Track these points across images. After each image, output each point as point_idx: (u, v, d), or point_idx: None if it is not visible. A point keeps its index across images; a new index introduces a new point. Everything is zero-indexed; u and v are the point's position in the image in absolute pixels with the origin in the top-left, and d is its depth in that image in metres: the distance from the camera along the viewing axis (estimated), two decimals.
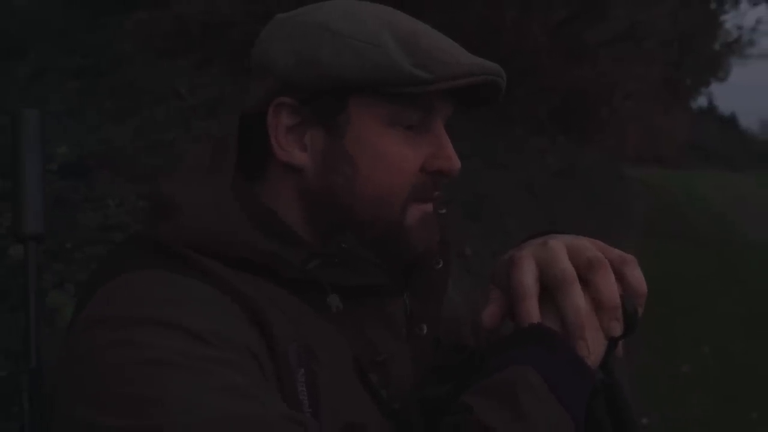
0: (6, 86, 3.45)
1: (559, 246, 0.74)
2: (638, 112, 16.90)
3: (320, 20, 0.76)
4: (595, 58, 10.31)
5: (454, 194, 5.17)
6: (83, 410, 0.63)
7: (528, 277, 0.73)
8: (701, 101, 33.09)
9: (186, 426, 0.59)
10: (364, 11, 0.78)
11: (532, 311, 0.72)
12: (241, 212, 0.75)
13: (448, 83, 0.74)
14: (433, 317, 0.86)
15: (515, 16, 7.58)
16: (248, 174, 0.81)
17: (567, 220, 7.73)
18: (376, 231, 0.79)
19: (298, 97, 0.75)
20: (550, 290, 0.73)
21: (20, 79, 3.54)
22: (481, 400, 0.68)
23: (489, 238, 5.44)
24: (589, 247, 0.74)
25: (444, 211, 0.87)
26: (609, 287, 0.72)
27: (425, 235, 0.82)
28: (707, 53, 19.89)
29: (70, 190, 2.55)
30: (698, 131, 28.52)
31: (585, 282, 0.72)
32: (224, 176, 0.77)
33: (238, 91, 3.94)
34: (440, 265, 0.86)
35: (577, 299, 0.71)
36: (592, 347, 0.73)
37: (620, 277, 0.74)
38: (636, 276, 0.75)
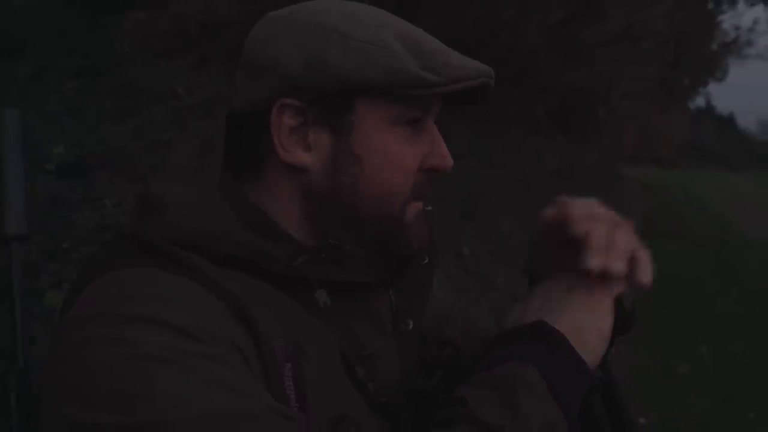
0: (5, 86, 3.45)
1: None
2: (636, 112, 16.92)
3: (325, 21, 0.76)
4: (592, 58, 10.32)
5: (452, 194, 5.17)
6: (72, 408, 0.63)
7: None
8: (699, 101, 33.09)
9: (175, 421, 0.60)
10: (363, 13, 0.79)
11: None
12: (228, 210, 0.76)
13: (453, 86, 0.76)
14: (418, 313, 0.88)
15: (512, 15, 7.58)
16: (236, 173, 0.81)
17: None
18: (377, 228, 0.80)
19: (304, 98, 0.76)
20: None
21: (19, 79, 3.54)
22: (477, 393, 0.69)
23: (486, 237, 5.45)
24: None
25: (430, 208, 0.89)
26: (628, 237, 0.77)
27: (421, 232, 0.85)
28: (705, 53, 19.92)
29: (68, 190, 2.55)
30: (696, 131, 28.55)
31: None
32: (211, 175, 0.77)
33: (235, 91, 3.93)
34: (426, 262, 0.88)
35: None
36: (592, 345, 0.74)
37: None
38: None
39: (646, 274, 0.76)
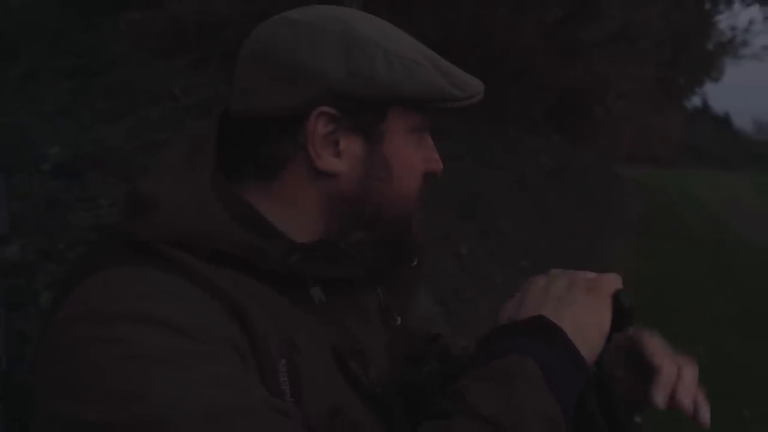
0: None
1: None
2: (632, 112, 16.95)
3: (358, 33, 0.79)
4: (589, 58, 10.33)
5: (450, 194, 5.17)
6: (67, 407, 0.63)
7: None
8: (695, 101, 33.15)
9: (170, 419, 0.60)
10: (386, 26, 0.84)
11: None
12: (222, 208, 0.76)
13: (470, 100, 0.83)
14: (406, 310, 0.91)
15: (508, 15, 7.58)
16: (229, 173, 0.81)
17: (562, 219, 7.75)
18: (394, 229, 0.86)
19: (340, 107, 0.78)
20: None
21: (13, 79, 3.53)
22: (475, 386, 0.70)
23: (484, 237, 5.45)
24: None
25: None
26: (694, 378, 0.86)
27: (420, 232, 0.89)
28: (701, 53, 19.97)
29: (63, 190, 2.55)
30: (692, 131, 28.59)
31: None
32: (203, 174, 0.77)
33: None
34: (415, 263, 0.91)
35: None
36: (590, 341, 0.76)
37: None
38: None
39: (705, 416, 0.84)
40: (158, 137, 3.09)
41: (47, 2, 4.28)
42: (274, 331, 0.73)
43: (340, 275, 0.81)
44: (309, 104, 0.77)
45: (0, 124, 2.86)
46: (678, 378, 0.82)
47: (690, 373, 0.84)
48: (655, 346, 0.86)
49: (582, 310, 0.78)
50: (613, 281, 0.82)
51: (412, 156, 0.84)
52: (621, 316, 0.79)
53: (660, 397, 0.81)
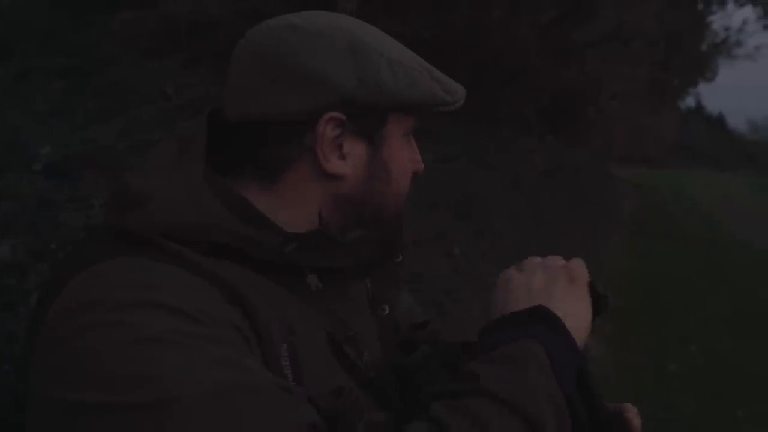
0: None
1: None
2: (626, 112, 16.98)
3: (364, 41, 0.83)
4: (583, 58, 10.35)
5: (444, 195, 5.17)
6: (75, 393, 0.63)
7: None
8: (689, 101, 33.21)
9: (179, 398, 0.61)
10: (383, 35, 0.88)
11: None
12: (217, 200, 0.78)
13: (456, 105, 0.89)
14: (393, 301, 0.96)
15: (503, 16, 7.59)
16: (222, 173, 0.82)
17: (555, 219, 7.76)
18: (390, 226, 0.91)
19: (346, 112, 0.81)
20: None
21: (5, 79, 3.52)
22: (487, 368, 0.74)
23: (478, 237, 5.45)
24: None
25: None
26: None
27: (406, 230, 0.96)
28: (695, 54, 20.03)
29: (55, 190, 2.53)
30: (686, 131, 28.62)
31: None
32: (195, 170, 0.79)
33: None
34: (400, 259, 0.96)
35: None
36: (578, 331, 0.81)
37: None
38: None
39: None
40: (150, 137, 3.08)
41: (39, 2, 4.26)
42: (275, 317, 0.74)
43: (333, 265, 0.83)
44: (319, 109, 0.81)
45: None
46: None
47: None
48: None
49: (568, 302, 0.83)
50: (584, 269, 0.88)
51: (404, 158, 0.90)
52: (597, 302, 0.85)
53: None
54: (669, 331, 6.00)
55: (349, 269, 0.86)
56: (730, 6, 17.62)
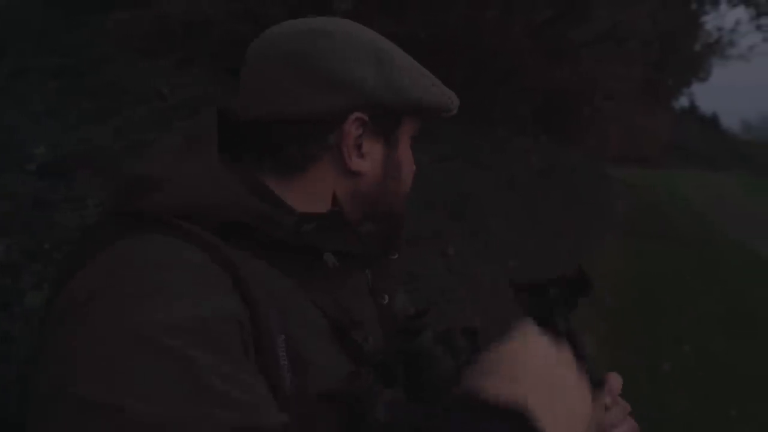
0: None
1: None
2: (620, 112, 16.99)
3: (387, 50, 0.91)
4: (577, 58, 10.35)
5: (439, 195, 5.17)
6: (85, 387, 0.62)
7: None
8: (683, 101, 33.30)
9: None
10: (391, 43, 0.94)
11: None
12: (236, 180, 0.81)
13: (454, 111, 0.97)
14: (393, 291, 1.01)
15: (498, 16, 7.59)
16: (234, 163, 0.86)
17: (550, 219, 7.77)
18: (396, 223, 0.98)
19: (372, 114, 0.88)
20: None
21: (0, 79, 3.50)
22: None
23: (472, 237, 5.45)
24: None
25: None
26: None
27: (404, 227, 1.01)
28: (688, 54, 20.07)
29: (49, 190, 2.53)
30: (680, 131, 28.69)
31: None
32: (211, 154, 0.81)
33: (220, 90, 3.92)
34: (396, 256, 1.00)
35: None
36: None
37: None
38: None
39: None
40: (145, 137, 3.07)
41: (33, 2, 4.25)
42: (274, 304, 0.76)
43: (345, 249, 0.87)
44: (347, 110, 0.87)
45: None
46: None
47: None
48: None
49: (570, 397, 0.77)
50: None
51: (411, 158, 0.98)
52: (582, 284, 0.85)
53: None
54: (663, 331, 6.01)
55: (358, 256, 0.90)
56: (723, 6, 17.67)
